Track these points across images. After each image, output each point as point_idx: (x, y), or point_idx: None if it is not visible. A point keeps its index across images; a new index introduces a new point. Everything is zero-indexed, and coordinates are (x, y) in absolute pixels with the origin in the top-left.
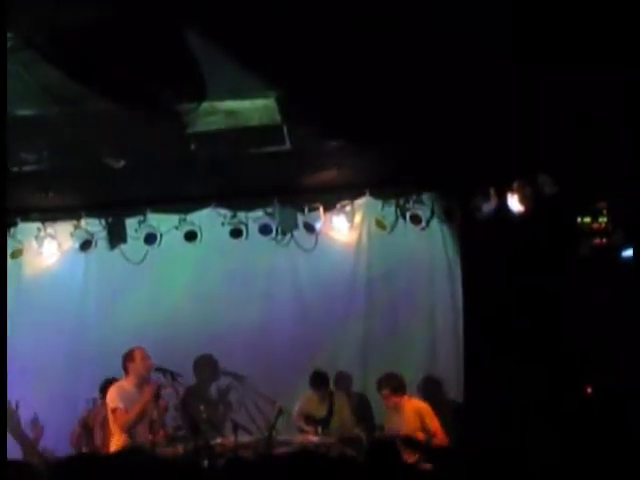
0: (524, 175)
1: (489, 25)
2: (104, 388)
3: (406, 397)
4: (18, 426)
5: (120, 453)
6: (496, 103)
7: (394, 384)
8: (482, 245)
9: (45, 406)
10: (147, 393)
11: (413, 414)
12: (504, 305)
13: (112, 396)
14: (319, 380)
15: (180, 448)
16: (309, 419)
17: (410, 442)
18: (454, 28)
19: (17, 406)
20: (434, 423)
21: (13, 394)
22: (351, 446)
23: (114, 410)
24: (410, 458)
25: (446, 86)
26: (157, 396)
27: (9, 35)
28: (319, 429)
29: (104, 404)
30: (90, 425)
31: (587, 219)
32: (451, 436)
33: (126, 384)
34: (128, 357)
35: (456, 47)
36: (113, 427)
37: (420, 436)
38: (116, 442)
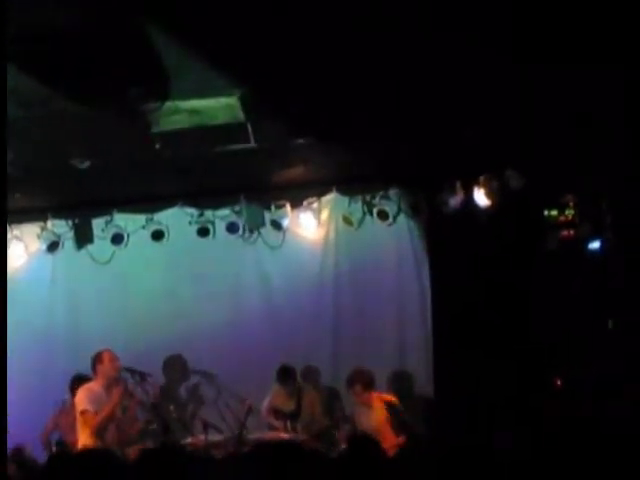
0: (490, 169)
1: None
2: (73, 386)
3: (376, 393)
4: None
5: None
6: (462, 98)
7: (364, 380)
8: (449, 240)
9: (12, 406)
10: (115, 395)
11: (382, 409)
12: (472, 300)
13: (81, 398)
14: (286, 374)
15: (150, 444)
16: (278, 414)
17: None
18: (437, 27)
19: None
20: (403, 418)
21: None
22: (322, 442)
23: (83, 412)
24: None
25: (412, 83)
26: (129, 395)
27: None
28: (288, 424)
29: (74, 404)
30: (61, 425)
31: (554, 212)
32: (421, 431)
33: (95, 386)
34: (97, 359)
35: (427, 42)
36: (82, 429)
37: (389, 431)
38: (85, 443)
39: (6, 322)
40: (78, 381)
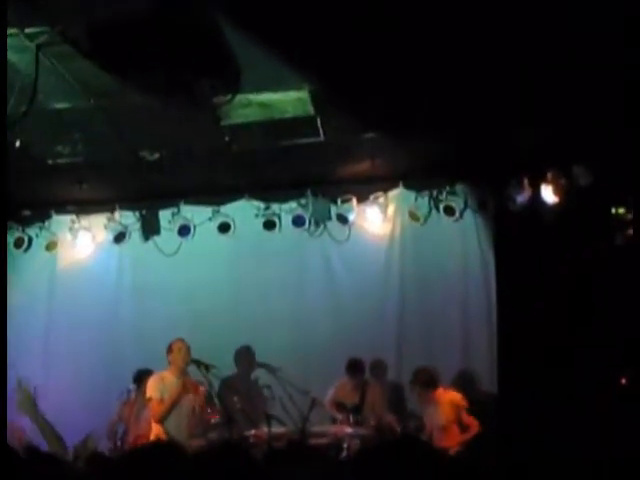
0: (558, 165)
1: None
2: (137, 379)
3: (441, 389)
4: (34, 408)
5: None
6: (531, 94)
7: (427, 379)
8: (516, 236)
9: (75, 395)
10: (181, 385)
11: (449, 406)
12: (538, 297)
13: (148, 385)
14: (355, 367)
15: (213, 437)
16: (341, 407)
17: None
18: (494, 10)
19: (35, 391)
20: (469, 415)
21: (37, 380)
22: (383, 436)
23: (149, 399)
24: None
25: (480, 77)
26: (195, 388)
27: (45, 29)
28: (351, 417)
29: (138, 395)
30: (124, 417)
31: (621, 210)
32: (486, 428)
33: (166, 375)
34: (168, 349)
35: (491, 34)
36: (150, 417)
37: (455, 428)
38: (152, 433)
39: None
40: (142, 374)
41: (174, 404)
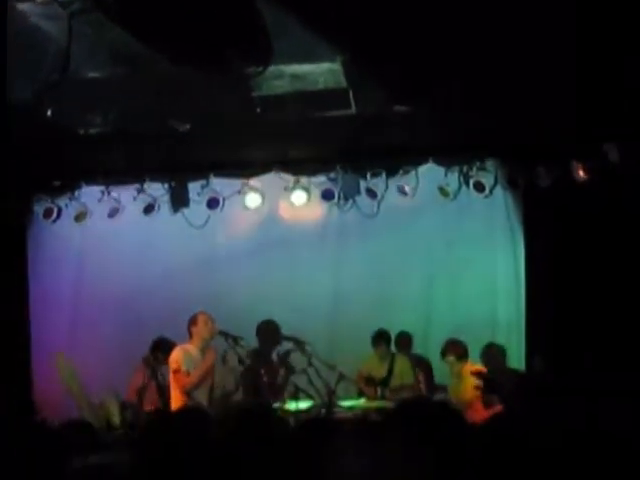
0: (589, 143)
1: None
2: (154, 348)
3: (468, 364)
4: (77, 381)
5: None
6: (563, 71)
7: (458, 351)
8: (545, 213)
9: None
10: (209, 358)
11: (474, 381)
12: (567, 274)
13: (174, 358)
14: (381, 337)
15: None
16: (369, 381)
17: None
18: None
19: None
20: (493, 391)
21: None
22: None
23: (176, 371)
24: None
25: (514, 54)
26: (222, 359)
27: None
28: (378, 390)
29: (156, 365)
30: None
31: None
32: (512, 405)
33: (190, 347)
34: (191, 321)
35: (525, 12)
36: (174, 388)
37: (479, 405)
38: (176, 403)
39: None
40: (159, 344)
41: (203, 378)
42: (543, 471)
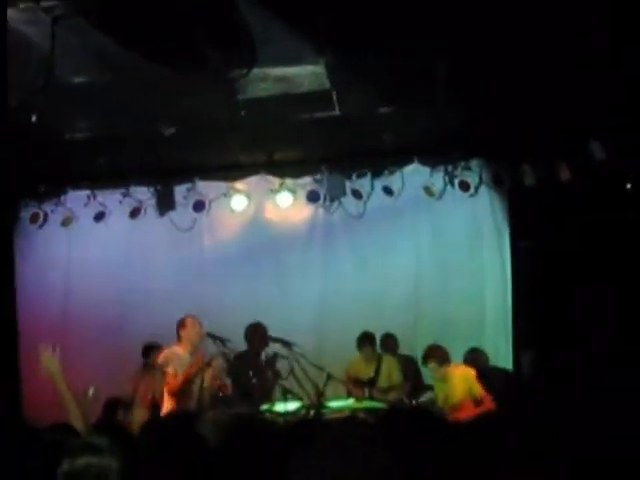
0: (574, 141)
1: None
2: (145, 353)
3: (452, 365)
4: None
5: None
6: (545, 69)
7: (439, 356)
8: (530, 211)
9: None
10: (197, 361)
11: (461, 381)
12: (553, 271)
13: (164, 360)
14: (365, 340)
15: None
16: (357, 382)
17: None
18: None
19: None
20: (481, 389)
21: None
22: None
23: (165, 373)
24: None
25: (499, 54)
26: (208, 364)
27: (58, 2)
28: (366, 391)
29: (147, 369)
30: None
31: (635, 186)
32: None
33: (178, 350)
34: (180, 324)
35: (508, 12)
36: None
37: (469, 403)
38: (165, 405)
39: None
40: (149, 349)
41: (188, 381)
42: (532, 468)
